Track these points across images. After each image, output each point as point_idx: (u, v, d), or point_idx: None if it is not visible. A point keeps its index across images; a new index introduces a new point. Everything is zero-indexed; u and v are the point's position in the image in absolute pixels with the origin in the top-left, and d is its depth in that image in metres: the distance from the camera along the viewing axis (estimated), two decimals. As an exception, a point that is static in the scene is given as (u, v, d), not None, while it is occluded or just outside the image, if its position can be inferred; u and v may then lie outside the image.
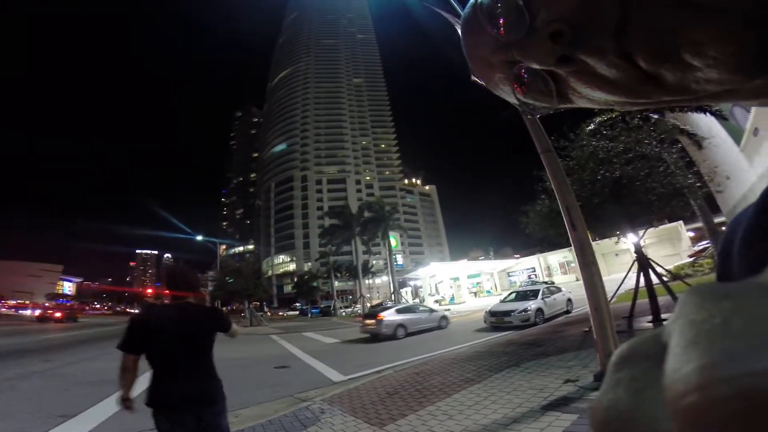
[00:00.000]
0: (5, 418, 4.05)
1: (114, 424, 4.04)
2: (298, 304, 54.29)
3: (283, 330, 20.28)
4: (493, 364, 5.73)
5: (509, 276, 37.70)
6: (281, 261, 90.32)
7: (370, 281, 55.17)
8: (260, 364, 8.59)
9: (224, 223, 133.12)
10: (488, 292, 34.96)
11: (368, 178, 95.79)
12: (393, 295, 27.93)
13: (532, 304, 11.32)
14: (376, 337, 12.50)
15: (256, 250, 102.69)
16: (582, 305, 10.99)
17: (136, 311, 2.14)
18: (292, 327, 23.01)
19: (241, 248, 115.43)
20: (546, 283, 15.83)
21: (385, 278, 55.45)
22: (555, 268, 34.22)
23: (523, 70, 0.32)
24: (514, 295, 13.13)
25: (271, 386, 6.07)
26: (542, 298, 11.76)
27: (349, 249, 38.20)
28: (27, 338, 15.69)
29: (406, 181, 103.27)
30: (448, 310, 24.20)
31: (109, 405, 4.67)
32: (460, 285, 32.60)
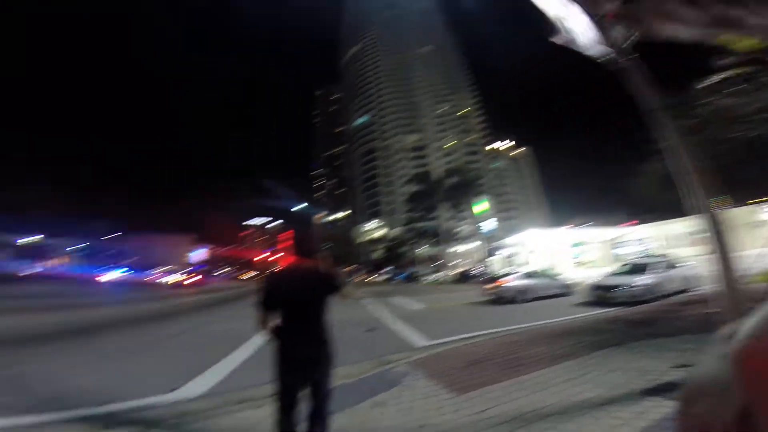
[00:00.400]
0: (150, 375, 4.77)
1: (239, 377, 4.62)
2: (386, 270, 56.60)
3: (372, 295, 21.43)
4: (592, 341, 5.32)
5: (617, 246, 33.81)
6: (371, 228, 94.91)
7: (457, 248, 54.78)
8: (351, 326, 9.20)
9: (318, 194, 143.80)
10: (593, 263, 31.99)
11: (450, 144, 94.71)
12: (481, 263, 27.36)
13: (643, 279, 10.13)
14: (498, 300, 13.04)
15: (347, 218, 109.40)
16: (705, 283, 9.48)
17: (262, 274, 2.51)
18: (380, 292, 24.15)
19: (334, 216, 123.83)
20: (662, 256, 13.94)
21: (473, 244, 54.51)
22: (674, 240, 29.65)
23: None
24: (623, 267, 11.90)
25: (360, 348, 6.47)
26: (656, 273, 10.46)
27: (434, 215, 38.23)
28: (168, 302, 17.99)
29: (493, 145, 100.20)
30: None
31: (233, 361, 5.50)
32: (560, 254, 30.24)
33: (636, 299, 9.60)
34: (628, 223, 34.25)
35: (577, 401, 3.10)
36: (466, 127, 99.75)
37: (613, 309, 9.06)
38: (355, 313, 12.26)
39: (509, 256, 39.93)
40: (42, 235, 42.30)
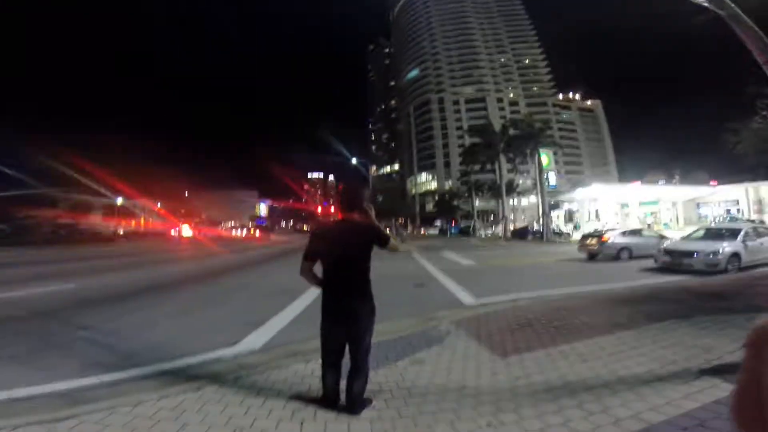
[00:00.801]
0: (213, 329, 5.04)
1: (294, 329, 4.90)
2: (438, 223, 56.54)
3: (423, 248, 21.57)
4: (654, 310, 4.95)
5: (699, 207, 30.18)
6: (423, 180, 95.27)
7: (516, 201, 52.78)
8: (400, 281, 9.42)
9: (373, 147, 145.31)
10: (666, 225, 29.13)
11: (512, 95, 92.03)
12: (542, 218, 26.18)
13: (726, 247, 9.03)
14: (594, 257, 12.89)
15: (401, 171, 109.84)
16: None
17: (312, 227, 2.64)
18: (431, 246, 24.25)
19: (388, 169, 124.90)
20: (752, 221, 12.25)
21: (533, 199, 52.06)
22: (768, 205, 25.78)
23: None
24: (702, 232, 10.74)
25: (407, 304, 6.66)
26: (743, 241, 9.30)
27: (492, 168, 36.72)
28: (235, 256, 18.38)
29: (561, 96, 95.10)
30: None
31: (290, 313, 5.79)
32: (629, 213, 27.77)
33: (713, 269, 8.66)
34: (716, 182, 30.16)
35: (626, 375, 2.96)
36: (531, 77, 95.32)
37: (685, 277, 8.31)
38: (405, 267, 12.47)
39: (572, 212, 37.70)
40: (120, 198, 47.44)
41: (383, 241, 2.50)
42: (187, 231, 42.84)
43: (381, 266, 11.30)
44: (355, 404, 2.53)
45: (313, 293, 7.46)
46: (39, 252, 19.78)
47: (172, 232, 44.31)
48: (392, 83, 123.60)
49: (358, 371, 2.53)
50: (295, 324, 5.30)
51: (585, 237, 14.27)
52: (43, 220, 37.31)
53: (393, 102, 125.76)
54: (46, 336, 4.42)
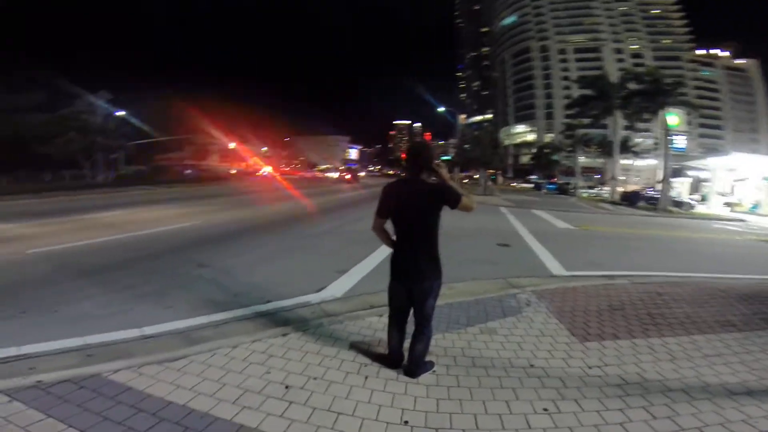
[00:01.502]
0: (304, 274, 5.33)
1: (374, 278, 5.03)
2: (533, 177, 52.57)
3: (513, 203, 20.47)
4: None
5: None
6: (520, 131, 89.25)
7: (628, 162, 46.32)
8: (484, 237, 9.20)
9: (462, 95, 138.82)
10: None
11: (635, 47, 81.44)
12: (660, 184, 22.63)
13: None
14: None
15: (494, 120, 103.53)
16: None
17: (390, 180, 2.56)
18: (523, 201, 22.84)
19: (479, 118, 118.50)
20: None
21: (651, 161, 44.99)
22: None
23: None
24: None
25: (490, 263, 6.52)
26: None
27: (604, 123, 32.27)
28: (324, 198, 19.14)
29: (702, 52, 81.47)
30: (743, 221, 17.96)
31: (372, 261, 5.98)
32: None
33: None
34: None
35: (714, 383, 2.62)
36: (660, 29, 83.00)
37: None
38: (492, 223, 12.05)
39: (700, 181, 31.74)
40: (233, 143, 52.73)
41: (453, 202, 2.37)
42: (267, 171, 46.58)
43: (465, 220, 11.09)
44: (415, 367, 2.62)
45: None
46: (169, 189, 23.45)
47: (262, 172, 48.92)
48: (484, 30, 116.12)
49: (420, 334, 2.58)
50: (377, 273, 5.43)
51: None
52: (173, 162, 44.07)
53: (485, 49, 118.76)
54: (173, 274, 5.17)
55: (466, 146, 34.99)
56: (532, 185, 49.20)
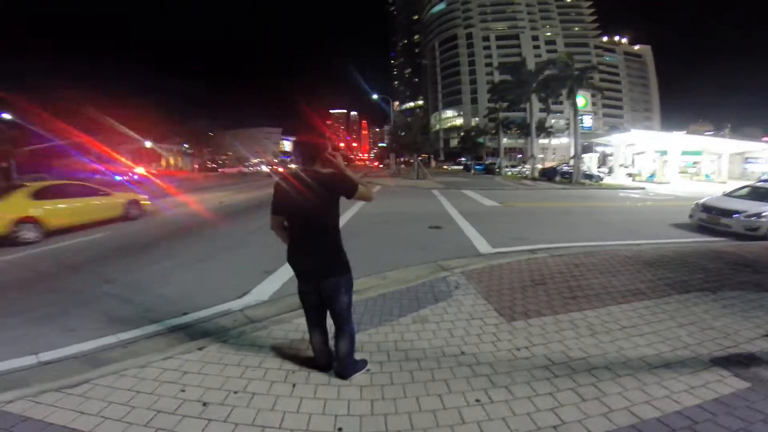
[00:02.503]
0: (228, 276, 5.08)
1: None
2: (463, 159, 55.02)
3: (444, 185, 21.19)
4: (679, 279, 4.58)
5: (746, 162, 27.66)
6: (449, 116, 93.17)
7: (545, 141, 50.37)
8: (417, 221, 9.32)
9: (395, 83, 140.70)
10: (708, 176, 27.14)
11: (549, 34, 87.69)
12: (573, 160, 24.85)
13: (771, 210, 7.89)
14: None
15: (425, 106, 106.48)
16: None
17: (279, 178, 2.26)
18: (453, 183, 23.76)
19: (411, 104, 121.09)
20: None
21: (564, 140, 49.29)
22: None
23: None
24: (747, 189, 9.45)
25: (422, 248, 6.57)
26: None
27: (523, 106, 34.58)
28: (255, 193, 17.71)
29: (606, 39, 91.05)
30: (642, 188, 20.39)
31: None
32: (667, 161, 25.87)
33: (756, 233, 7.67)
34: (763, 139, 27.03)
35: (633, 356, 2.77)
36: (572, 17, 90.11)
37: (720, 240, 7.58)
38: (424, 206, 12.35)
39: (606, 156, 35.58)
40: (148, 141, 48.03)
41: (349, 191, 2.23)
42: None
43: (397, 206, 11.07)
44: (344, 368, 2.50)
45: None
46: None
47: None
48: (416, 17, 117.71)
49: (341, 332, 2.45)
50: None
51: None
52: (77, 168, 38.76)
53: (416, 37, 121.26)
54: (78, 291, 4.59)
55: (401, 133, 35.18)
56: (462, 167, 51.45)
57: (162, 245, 7.11)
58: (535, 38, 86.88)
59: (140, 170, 35.57)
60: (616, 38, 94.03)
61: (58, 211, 8.25)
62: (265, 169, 53.81)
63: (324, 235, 2.29)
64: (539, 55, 33.66)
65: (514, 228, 8.67)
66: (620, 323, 3.39)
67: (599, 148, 36.90)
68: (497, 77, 47.07)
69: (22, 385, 2.47)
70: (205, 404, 2.25)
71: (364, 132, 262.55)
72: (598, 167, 31.75)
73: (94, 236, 8.14)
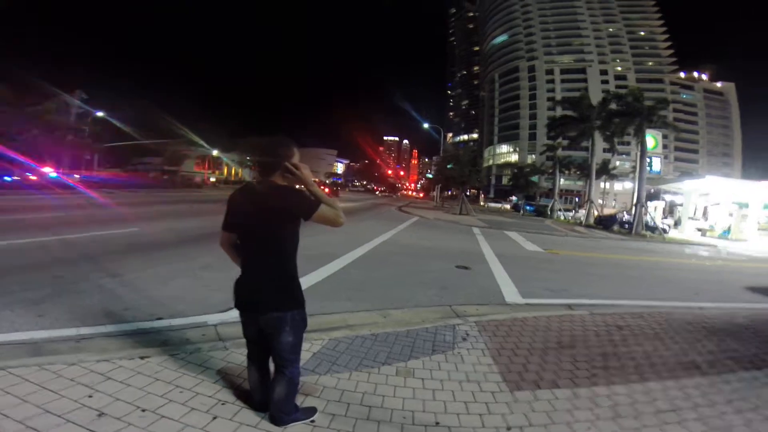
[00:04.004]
0: (223, 291, 4.56)
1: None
2: (514, 198, 52.96)
3: (487, 224, 20.11)
4: (749, 353, 3.69)
5: None
6: (503, 151, 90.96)
7: (607, 184, 47.27)
8: (445, 258, 8.66)
9: (451, 114, 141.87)
10: None
11: (619, 69, 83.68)
12: (635, 207, 22.61)
13: None
14: None
15: (479, 139, 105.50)
16: None
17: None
18: (497, 222, 22.54)
19: (465, 137, 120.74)
20: None
21: (627, 184, 45.98)
22: None
23: None
24: None
25: (441, 287, 5.92)
26: None
27: (585, 144, 32.67)
28: None
29: (683, 75, 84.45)
30: (714, 246, 18.00)
31: (309, 279, 5.39)
32: (747, 215, 22.68)
33: None
34: None
35: None
36: (645, 51, 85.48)
37: None
38: (458, 244, 11.60)
39: (674, 206, 32.26)
40: (215, 150, 51.85)
41: (305, 210, 1.86)
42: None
43: (431, 238, 10.49)
44: (279, 413, 2.06)
45: (347, 260, 7.17)
46: (137, 193, 22.47)
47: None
48: (476, 48, 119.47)
49: (279, 374, 2.03)
50: (310, 293, 4.92)
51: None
52: (151, 167, 42.66)
53: (476, 68, 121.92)
54: (75, 281, 4.57)
55: (449, 165, 34.55)
56: (511, 206, 49.50)
57: (181, 249, 7.14)
58: (603, 72, 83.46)
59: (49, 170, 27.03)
60: (695, 74, 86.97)
61: None
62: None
63: (272, 260, 1.93)
64: (607, 91, 31.95)
65: (553, 277, 7.70)
66: (657, 405, 2.62)
67: (667, 196, 33.52)
68: (559, 113, 45.60)
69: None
70: (100, 415, 2.00)
71: (414, 161, 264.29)
72: (663, 218, 28.73)
73: (127, 230, 8.49)
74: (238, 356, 2.84)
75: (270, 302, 1.92)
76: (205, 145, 48.52)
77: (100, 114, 35.46)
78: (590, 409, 2.53)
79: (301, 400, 2.29)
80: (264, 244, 1.92)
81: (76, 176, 26.54)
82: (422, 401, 2.48)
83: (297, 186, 1.94)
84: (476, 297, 5.55)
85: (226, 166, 62.07)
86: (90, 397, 2.16)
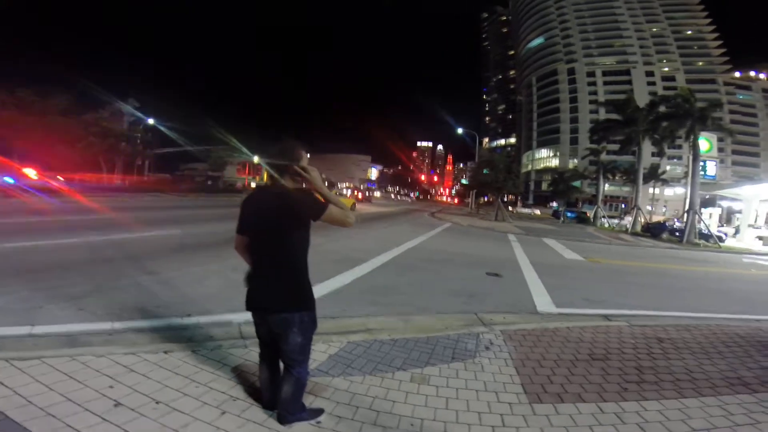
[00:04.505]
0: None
1: (327, 301, 4.53)
2: (554, 205, 50.88)
3: (524, 231, 19.41)
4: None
5: None
6: (542, 156, 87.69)
7: (656, 190, 44.34)
8: (476, 266, 8.41)
9: (487, 119, 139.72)
10: None
11: (666, 69, 79.30)
12: (687, 214, 21.00)
13: None
14: None
15: (517, 144, 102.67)
16: None
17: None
18: (535, 229, 21.70)
19: (502, 142, 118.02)
20: None
21: (679, 190, 42.85)
22: None
23: None
24: None
25: (468, 295, 5.75)
26: None
27: (633, 149, 30.85)
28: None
29: (738, 75, 78.43)
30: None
31: (335, 282, 5.52)
32: None
33: None
34: None
35: None
36: (694, 51, 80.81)
37: None
38: (491, 250, 11.28)
39: (733, 212, 29.65)
40: (256, 156, 53.93)
41: (315, 212, 1.92)
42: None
43: (464, 245, 10.28)
44: (285, 412, 2.09)
45: (374, 265, 7.17)
46: (182, 197, 23.76)
47: None
48: (511, 52, 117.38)
49: (287, 374, 2.07)
50: (337, 294, 5.03)
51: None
52: (196, 173, 45.21)
53: (512, 72, 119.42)
54: (115, 278, 4.88)
55: (484, 171, 33.68)
56: (551, 212, 47.60)
57: (215, 250, 7.39)
58: (649, 74, 79.22)
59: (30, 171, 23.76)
60: (753, 74, 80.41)
61: None
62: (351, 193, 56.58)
63: (282, 261, 1.98)
64: (654, 93, 29.82)
65: (592, 287, 7.29)
66: (691, 424, 2.39)
67: (724, 203, 30.85)
68: (602, 116, 43.29)
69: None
70: (116, 405, 2.09)
71: (449, 167, 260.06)
72: (720, 226, 26.46)
73: (169, 231, 9.01)
74: (256, 355, 2.87)
75: (279, 303, 1.96)
76: (247, 151, 50.65)
77: (150, 121, 37.98)
78: (613, 426, 2.35)
79: (310, 401, 2.31)
80: (273, 246, 1.97)
81: (60, 178, 24.78)
82: (433, 409, 2.40)
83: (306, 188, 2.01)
84: (505, 305, 5.33)
85: (265, 172, 64.68)
86: (111, 387, 2.26)
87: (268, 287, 1.99)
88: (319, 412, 2.20)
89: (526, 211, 50.32)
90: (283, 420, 2.08)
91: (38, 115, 24.19)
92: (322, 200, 1.97)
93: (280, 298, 1.96)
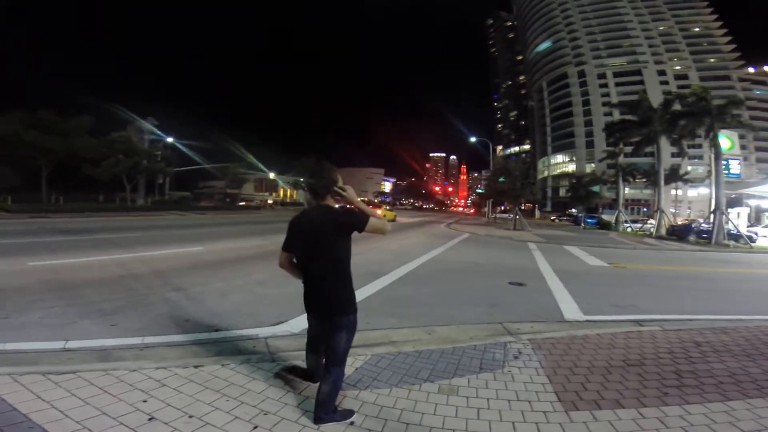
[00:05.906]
0: (276, 306, 4.77)
1: None
2: (574, 211, 49.80)
3: (544, 239, 19.02)
4: None
5: None
6: (558, 161, 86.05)
7: (679, 191, 43.00)
8: (498, 275, 8.27)
9: (499, 126, 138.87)
10: None
11: (678, 68, 77.32)
12: (713, 215, 20.25)
13: None
14: None
15: (532, 150, 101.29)
16: None
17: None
18: (556, 237, 21.22)
19: (516, 149, 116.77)
20: None
21: (703, 190, 41.52)
22: None
23: None
24: None
25: (491, 305, 5.62)
26: None
27: (651, 150, 30.10)
28: None
29: (753, 70, 76.35)
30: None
31: (361, 293, 5.48)
32: None
33: None
34: None
35: None
36: (704, 47, 78.76)
37: None
38: (512, 259, 11.10)
39: (761, 211, 28.43)
40: (272, 173, 54.93)
41: (360, 224, 2.20)
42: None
43: (483, 255, 10.17)
44: (320, 412, 2.21)
45: (393, 277, 7.14)
46: (202, 215, 24.29)
47: None
48: (519, 57, 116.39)
49: (327, 374, 2.24)
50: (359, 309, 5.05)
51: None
52: (215, 190, 46.27)
53: (521, 78, 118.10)
54: (144, 294, 5.04)
55: (500, 179, 33.20)
56: (570, 219, 46.63)
57: (238, 266, 7.54)
58: (661, 73, 77.22)
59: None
60: (767, 68, 77.79)
61: None
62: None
63: (332, 272, 2.24)
64: (669, 92, 29.12)
65: (619, 293, 7.06)
66: (740, 426, 2.27)
67: (751, 201, 29.62)
68: (617, 117, 42.48)
69: (23, 364, 2.71)
70: (151, 419, 2.14)
71: (463, 177, 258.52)
72: (749, 225, 25.36)
73: (192, 248, 9.24)
74: (284, 369, 2.93)
75: (333, 308, 2.22)
76: (264, 168, 51.69)
77: (170, 140, 39.18)
78: (657, 430, 2.26)
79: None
80: (323, 257, 2.21)
81: None
82: (465, 420, 2.35)
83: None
84: (531, 314, 5.20)
85: (282, 189, 65.71)
86: (144, 402, 2.31)
87: (323, 295, 2.24)
88: (350, 413, 2.31)
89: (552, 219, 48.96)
90: (318, 420, 2.19)
91: (61, 134, 24.81)
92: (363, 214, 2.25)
93: (335, 303, 2.22)
